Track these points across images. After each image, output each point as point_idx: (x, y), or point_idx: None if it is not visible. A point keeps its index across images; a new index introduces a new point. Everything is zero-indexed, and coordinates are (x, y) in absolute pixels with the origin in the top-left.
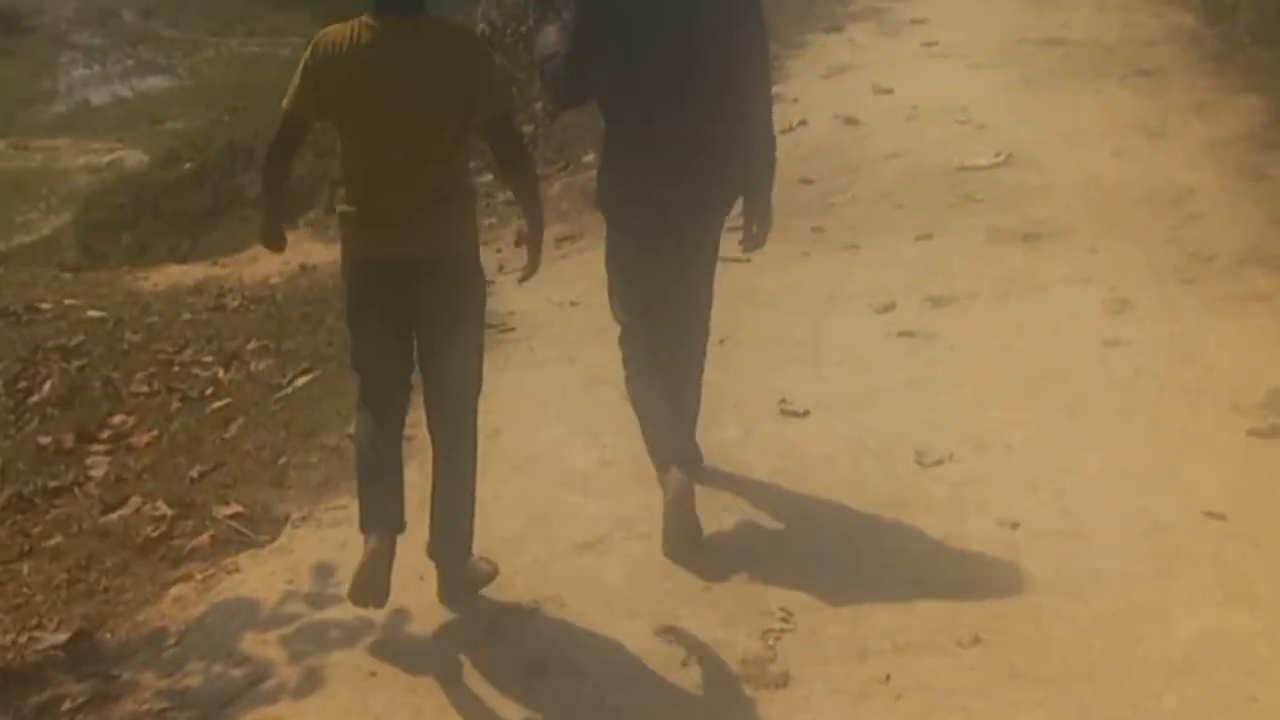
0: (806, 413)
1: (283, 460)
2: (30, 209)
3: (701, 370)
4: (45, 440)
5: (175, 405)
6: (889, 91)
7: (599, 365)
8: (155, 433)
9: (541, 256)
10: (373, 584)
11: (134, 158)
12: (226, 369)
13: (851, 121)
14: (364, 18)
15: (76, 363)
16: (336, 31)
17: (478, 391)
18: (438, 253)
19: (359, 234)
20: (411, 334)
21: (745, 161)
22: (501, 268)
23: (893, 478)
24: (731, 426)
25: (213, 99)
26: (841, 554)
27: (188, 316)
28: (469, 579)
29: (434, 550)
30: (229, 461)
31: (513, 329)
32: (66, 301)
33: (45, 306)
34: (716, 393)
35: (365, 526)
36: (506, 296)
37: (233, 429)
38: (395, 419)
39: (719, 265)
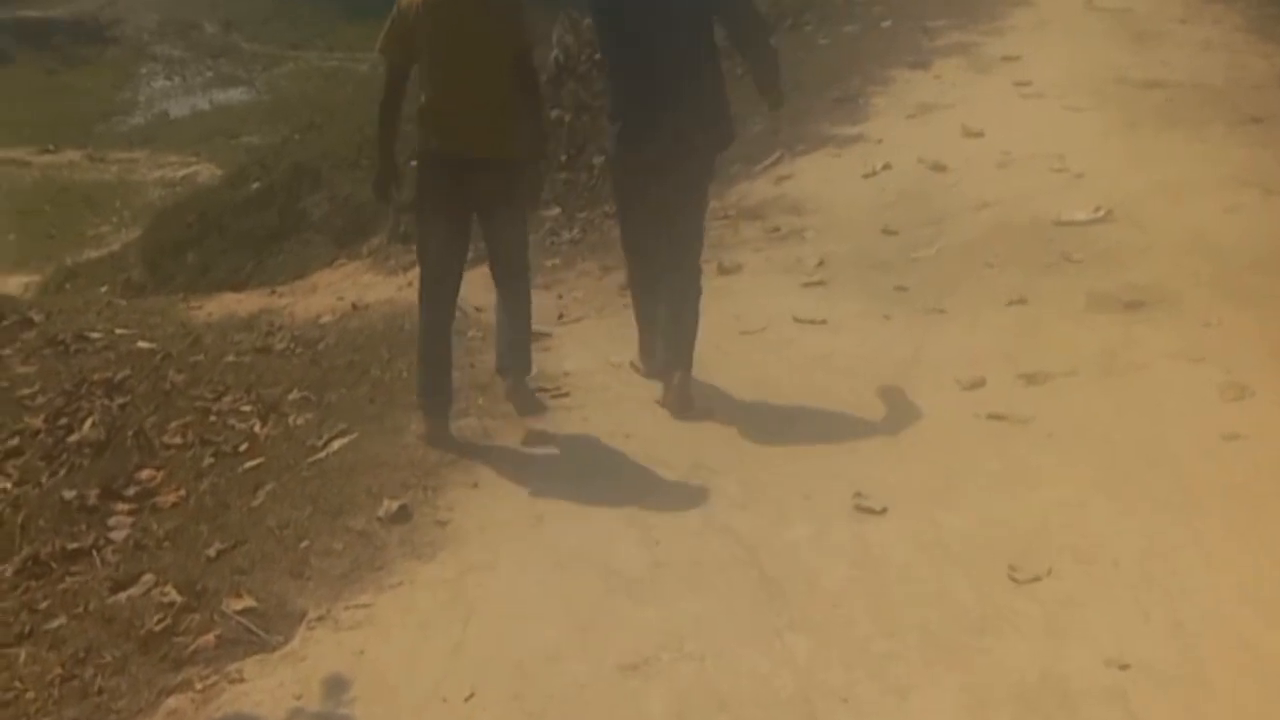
0: (884, 510)
1: (305, 544)
2: (102, 222)
3: (699, 293)
4: (70, 494)
5: (207, 460)
6: (979, 135)
7: (655, 442)
8: (182, 492)
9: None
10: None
11: (208, 172)
12: (264, 422)
13: (938, 167)
14: None
15: (119, 400)
16: None
17: (526, 249)
18: (491, 150)
19: (432, 136)
20: (469, 217)
21: (723, 122)
22: (561, 316)
23: (982, 594)
24: (800, 523)
25: (289, 114)
26: (922, 689)
27: (231, 358)
28: (531, 392)
29: (502, 366)
30: (250, 539)
31: (566, 394)
32: (117, 331)
33: (95, 336)
34: (785, 481)
35: (422, 410)
36: (561, 354)
37: (260, 496)
38: (447, 308)
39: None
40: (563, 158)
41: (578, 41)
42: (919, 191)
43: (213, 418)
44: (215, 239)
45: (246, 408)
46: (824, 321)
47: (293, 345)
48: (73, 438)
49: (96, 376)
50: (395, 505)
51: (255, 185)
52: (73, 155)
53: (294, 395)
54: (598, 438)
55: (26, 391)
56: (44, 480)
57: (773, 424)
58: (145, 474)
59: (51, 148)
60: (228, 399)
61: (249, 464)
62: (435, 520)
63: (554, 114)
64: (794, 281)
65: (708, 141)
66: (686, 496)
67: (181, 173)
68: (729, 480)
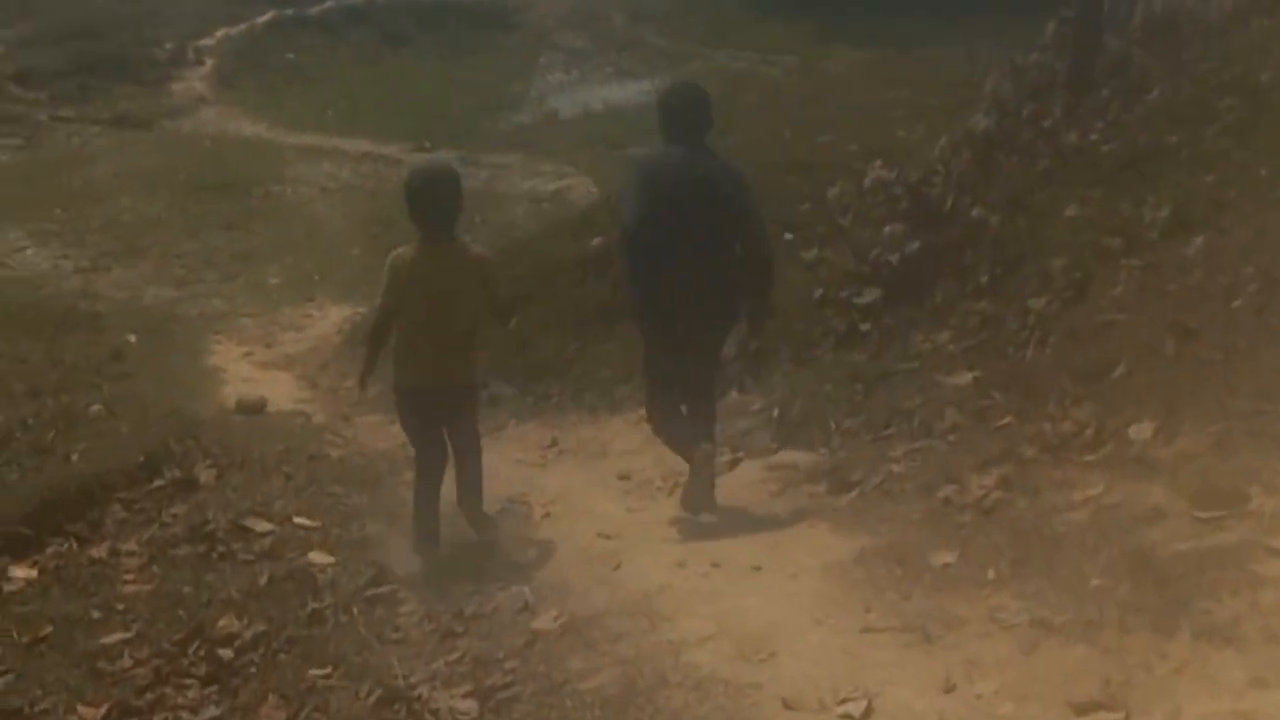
0: None
1: None
2: None
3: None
4: None
5: None
6: None
7: None
8: None
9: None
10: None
11: (581, 188)
12: None
13: None
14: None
15: (209, 711)
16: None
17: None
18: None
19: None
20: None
21: (736, 299)
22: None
23: None
24: None
25: None
26: None
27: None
28: (488, 517)
29: (462, 503)
30: None
31: None
32: (295, 520)
33: (261, 529)
34: None
35: (418, 546)
36: None
37: None
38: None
39: None
40: (983, 279)
41: (1019, 92)
42: None
43: None
44: (541, 302)
45: None
46: None
47: None
48: None
49: (220, 625)
50: None
51: (596, 242)
52: (446, 155)
53: None
54: None
55: (115, 639)
56: None
57: None
58: None
59: (428, 145)
60: None
61: None
62: None
63: (975, 213)
64: None
65: (725, 316)
66: None
67: (553, 185)
68: None
